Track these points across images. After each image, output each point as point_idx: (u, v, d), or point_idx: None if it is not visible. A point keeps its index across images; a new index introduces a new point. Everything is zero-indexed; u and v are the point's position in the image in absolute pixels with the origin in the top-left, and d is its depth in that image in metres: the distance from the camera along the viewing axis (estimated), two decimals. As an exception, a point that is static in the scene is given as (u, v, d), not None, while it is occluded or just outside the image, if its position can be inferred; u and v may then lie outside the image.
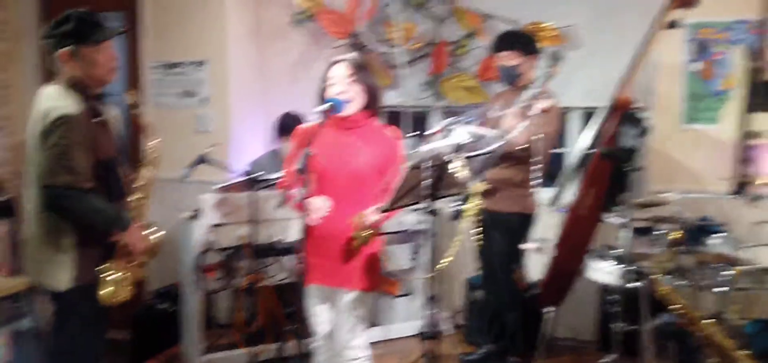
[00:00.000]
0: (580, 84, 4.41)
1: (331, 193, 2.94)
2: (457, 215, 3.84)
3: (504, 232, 3.83)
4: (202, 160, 3.82)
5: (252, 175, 3.92)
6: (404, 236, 4.70)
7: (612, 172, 3.18)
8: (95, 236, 2.66)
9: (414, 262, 4.70)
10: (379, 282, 3.09)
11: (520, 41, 3.85)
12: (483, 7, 4.65)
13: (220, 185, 4.16)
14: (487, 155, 2.88)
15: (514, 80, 3.81)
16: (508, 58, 3.80)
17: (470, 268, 4.60)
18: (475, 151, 2.83)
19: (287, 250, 4.08)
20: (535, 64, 3.78)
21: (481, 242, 4.06)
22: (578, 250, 3.26)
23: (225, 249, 4.14)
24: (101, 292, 2.69)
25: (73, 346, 2.71)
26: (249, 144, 4.81)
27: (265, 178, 3.85)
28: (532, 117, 3.45)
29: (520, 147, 3.46)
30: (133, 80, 4.99)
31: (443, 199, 2.93)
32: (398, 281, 4.88)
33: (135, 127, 4.84)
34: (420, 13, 4.74)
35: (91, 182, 2.60)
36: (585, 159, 3.27)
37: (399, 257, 4.71)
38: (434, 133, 2.85)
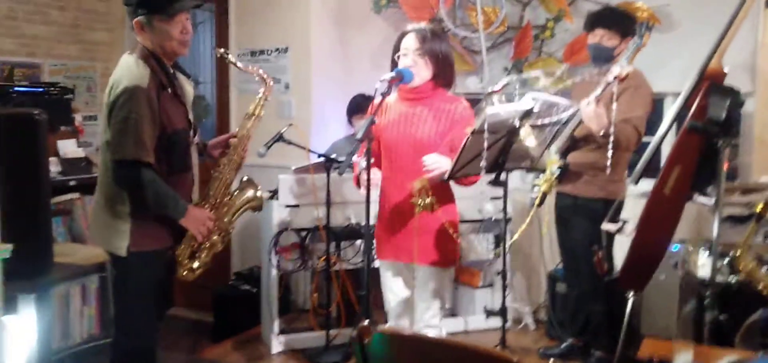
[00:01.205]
0: (674, 68, 4.14)
1: (397, 165, 2.88)
2: (541, 201, 3.68)
3: (587, 219, 3.62)
4: (279, 137, 3.84)
5: (328, 157, 3.92)
6: (485, 225, 4.57)
7: (701, 149, 2.92)
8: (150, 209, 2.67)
9: (495, 252, 4.54)
10: (452, 258, 2.97)
11: (620, 20, 3.59)
12: (570, -11, 4.47)
13: (297, 167, 4.19)
14: (561, 124, 2.72)
15: (606, 61, 3.54)
16: (604, 37, 3.57)
17: (553, 261, 4.41)
18: (546, 119, 2.67)
19: (363, 233, 4.05)
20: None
21: (562, 227, 3.89)
22: (661, 232, 3.02)
23: (301, 230, 4.16)
24: (179, 271, 2.76)
25: (130, 311, 2.75)
26: (330, 129, 4.84)
27: (340, 160, 3.82)
28: (615, 95, 3.24)
29: (605, 129, 3.24)
30: (220, 67, 5.16)
31: (512, 170, 2.79)
32: (479, 272, 4.75)
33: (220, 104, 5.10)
34: (503, -3, 4.61)
35: (153, 157, 2.59)
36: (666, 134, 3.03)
37: (480, 247, 4.58)
38: (494, 92, 2.70)
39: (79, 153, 4.11)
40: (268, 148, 3.83)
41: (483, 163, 2.48)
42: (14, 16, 4.71)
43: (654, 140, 3.14)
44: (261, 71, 2.99)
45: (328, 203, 4.00)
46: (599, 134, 3.31)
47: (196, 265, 2.81)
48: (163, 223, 2.68)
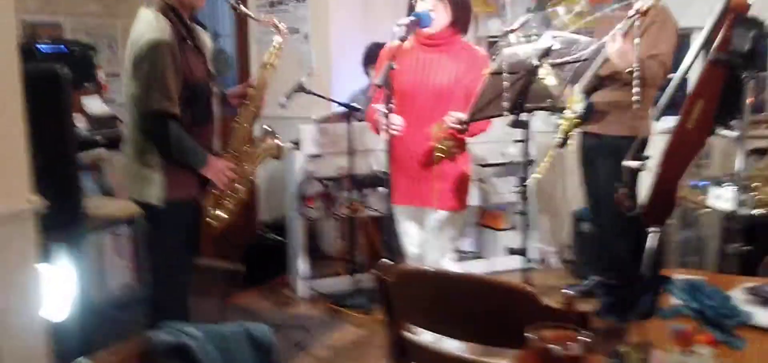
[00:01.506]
0: (701, 2, 4.04)
1: (414, 111, 2.87)
2: (563, 142, 3.65)
3: (613, 157, 3.59)
4: (300, 88, 3.86)
5: (348, 106, 3.94)
6: (508, 168, 4.58)
7: (725, 81, 2.87)
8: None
9: (518, 195, 4.54)
10: (465, 201, 3.01)
11: None
12: (592, -75, 4.37)
13: (319, 117, 4.21)
14: (582, 62, 2.69)
15: None
16: None
17: (577, 201, 4.41)
18: (566, 57, 2.65)
19: (385, 181, 4.09)
20: None
21: (587, 167, 3.87)
22: (685, 166, 3.00)
23: (325, 179, 4.21)
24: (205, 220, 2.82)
25: (164, 259, 2.82)
26: (351, 78, 4.83)
27: (360, 108, 3.84)
28: (640, 30, 3.18)
29: (629, 66, 3.20)
30: (240, 21, 5.16)
31: (533, 111, 2.78)
32: (502, 214, 4.78)
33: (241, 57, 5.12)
34: (524, -65, 4.53)
35: (178, 108, 2.63)
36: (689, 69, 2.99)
37: (503, 190, 4.59)
38: (512, 31, 2.68)
39: (105, 109, 4.17)
40: (289, 98, 3.85)
41: (505, 104, 2.47)
42: (35, -24, 4.75)
43: (677, 75, 3.10)
44: (275, 21, 2.99)
45: (350, 152, 4.03)
46: (625, 71, 3.27)
47: (221, 213, 2.87)
48: (192, 172, 2.74)
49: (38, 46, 4.03)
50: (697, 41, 3.09)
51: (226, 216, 2.88)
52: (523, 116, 2.78)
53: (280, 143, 3.03)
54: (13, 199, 2.23)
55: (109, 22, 5.21)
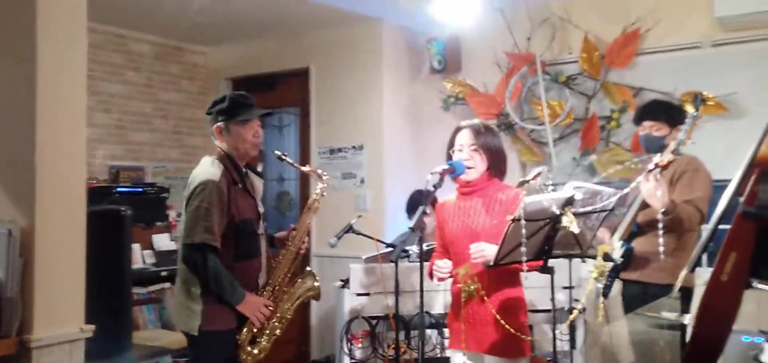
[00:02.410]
0: (743, 155, 4.09)
1: (459, 258, 2.98)
2: (606, 291, 3.69)
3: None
4: (349, 229, 4.07)
5: (393, 246, 4.09)
6: (557, 315, 4.55)
7: (757, 234, 2.89)
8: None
9: (567, 342, 4.51)
10: (520, 348, 3.01)
11: (666, 111, 3.65)
12: (634, 81, 4.55)
13: (367, 256, 4.38)
14: (606, 212, 2.78)
15: (658, 150, 3.60)
16: (653, 128, 3.63)
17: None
18: (590, 206, 2.75)
19: (432, 322, 4.16)
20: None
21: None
22: (721, 322, 2.96)
23: (371, 318, 4.32)
24: (240, 355, 2.96)
25: None
26: (403, 221, 5.03)
27: (406, 249, 3.99)
28: (666, 178, 3.27)
29: (666, 206, 3.26)
30: (303, 164, 5.52)
31: (560, 258, 2.86)
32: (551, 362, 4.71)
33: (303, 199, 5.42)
34: (568, 90, 4.74)
35: (219, 243, 2.85)
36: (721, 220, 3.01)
37: (550, 337, 4.55)
38: (528, 181, 2.81)
39: (172, 246, 4.49)
40: (339, 238, 4.05)
41: (523, 249, 2.57)
42: (123, 126, 5.29)
43: (709, 227, 3.12)
44: (317, 170, 3.27)
45: (397, 292, 4.15)
46: (660, 212, 3.33)
47: (256, 351, 3.01)
48: (231, 307, 2.91)
49: (118, 188, 4.45)
50: (726, 193, 3.14)
51: (261, 353, 3.01)
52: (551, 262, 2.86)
53: (318, 284, 3.19)
54: (67, 326, 2.47)
55: (185, 166, 5.67)
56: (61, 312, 2.47)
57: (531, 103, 4.89)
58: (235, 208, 2.92)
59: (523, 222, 2.54)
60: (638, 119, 3.68)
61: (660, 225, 3.02)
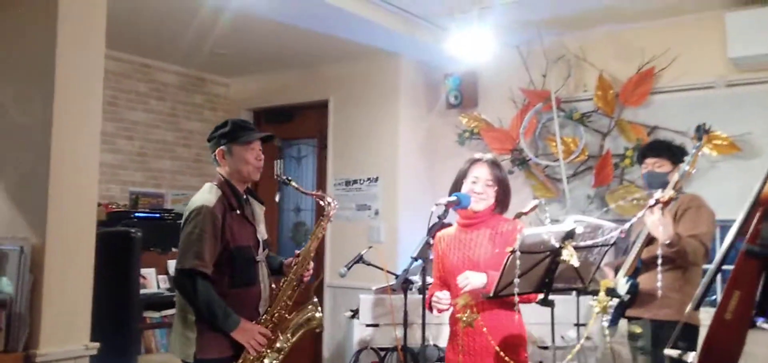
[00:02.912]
0: (736, 196, 4.07)
1: (458, 288, 3.00)
2: (614, 322, 3.67)
3: (662, 344, 3.54)
4: (359, 259, 4.11)
5: (404, 278, 4.12)
6: (566, 353, 4.53)
7: (760, 272, 2.87)
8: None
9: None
10: None
11: (668, 148, 3.68)
12: (648, 120, 4.56)
13: (377, 287, 4.41)
14: (608, 246, 2.79)
15: (661, 186, 3.61)
16: (656, 165, 3.65)
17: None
18: (591, 240, 2.76)
19: (440, 356, 4.16)
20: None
21: (636, 352, 3.80)
22: (725, 361, 2.93)
23: (380, 349, 4.33)
24: None
25: None
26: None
27: (409, 279, 4.00)
28: (677, 215, 3.26)
29: (667, 244, 3.25)
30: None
31: (562, 291, 2.87)
32: (563, 401, 4.66)
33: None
34: (582, 127, 4.75)
35: (210, 269, 2.81)
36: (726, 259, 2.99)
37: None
38: (525, 213, 2.83)
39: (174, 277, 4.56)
40: (348, 268, 4.10)
41: (516, 281, 2.58)
42: (144, 153, 5.43)
43: (712, 265, 3.10)
44: (322, 194, 3.28)
45: (405, 323, 4.16)
46: (665, 243, 3.32)
47: None
48: (225, 335, 2.86)
49: (136, 212, 4.56)
50: (731, 232, 3.12)
51: None
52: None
53: (319, 315, 3.11)
54: (73, 343, 2.54)
55: (205, 194, 5.78)
56: (67, 329, 2.55)
57: (545, 139, 4.92)
58: (229, 234, 2.88)
59: (518, 254, 2.56)
60: (641, 157, 3.72)
61: (659, 260, 3.01)
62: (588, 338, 4.18)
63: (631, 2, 4.34)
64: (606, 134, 4.71)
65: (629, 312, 3.65)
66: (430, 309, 3.02)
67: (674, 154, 3.64)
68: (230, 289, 2.88)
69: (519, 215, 2.86)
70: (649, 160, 3.67)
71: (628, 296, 3.53)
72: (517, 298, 2.63)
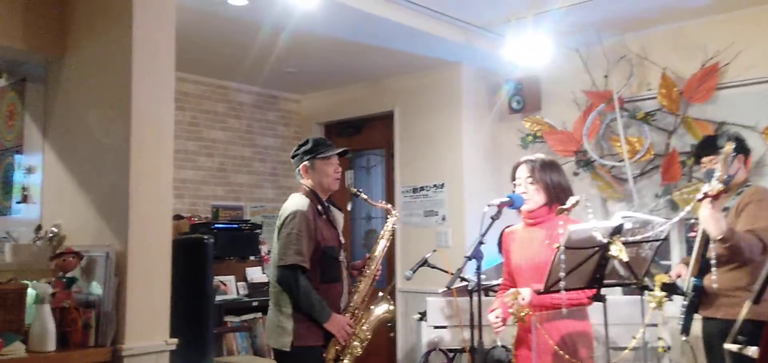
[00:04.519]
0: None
1: (521, 285, 3.11)
2: (686, 329, 3.65)
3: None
4: (424, 262, 4.26)
5: (464, 279, 4.22)
6: (640, 353, 4.49)
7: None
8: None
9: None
10: None
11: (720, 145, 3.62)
12: (715, 115, 4.49)
13: (443, 289, 4.53)
14: (657, 242, 2.83)
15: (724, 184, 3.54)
16: (712, 162, 3.59)
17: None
18: (640, 236, 2.81)
19: (510, 359, 4.22)
20: (744, 166, 3.53)
21: (711, 355, 3.74)
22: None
23: (449, 351, 4.45)
24: None
25: None
26: (485, 256, 5.14)
27: (464, 277, 4.10)
28: (738, 209, 3.23)
29: (719, 239, 3.22)
30: (388, 202, 5.77)
31: (614, 286, 2.92)
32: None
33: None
34: (647, 126, 4.73)
35: (308, 264, 3.17)
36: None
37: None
38: (567, 209, 2.89)
39: (263, 278, 4.84)
40: (414, 272, 4.24)
41: (562, 275, 2.65)
42: (224, 169, 5.77)
43: (771, 257, 3.08)
44: (387, 205, 3.56)
45: (472, 325, 4.26)
46: (718, 238, 3.28)
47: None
48: (318, 325, 3.20)
49: (216, 224, 4.87)
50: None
51: None
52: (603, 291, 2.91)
53: (392, 307, 3.43)
54: (154, 339, 2.81)
55: (281, 205, 6.05)
56: (149, 326, 2.82)
57: (610, 139, 4.91)
58: (320, 235, 3.25)
59: (562, 249, 2.64)
60: (697, 158, 3.66)
61: (714, 259, 3.00)
62: (660, 338, 4.15)
63: (690, -1, 4.31)
64: (672, 132, 4.66)
65: (703, 313, 3.61)
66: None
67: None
68: (320, 284, 3.22)
69: (560, 211, 2.92)
70: (706, 159, 3.61)
71: (693, 293, 3.50)
72: (564, 294, 2.71)
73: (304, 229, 3.17)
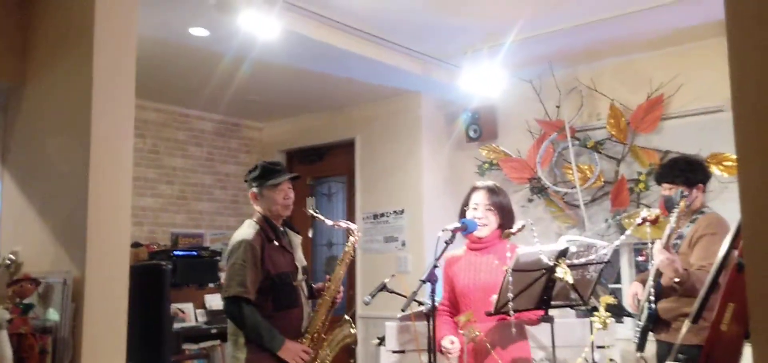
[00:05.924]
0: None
1: (468, 308, 3.21)
2: (640, 345, 3.78)
3: (684, 365, 3.63)
4: (383, 287, 4.32)
5: (418, 302, 4.31)
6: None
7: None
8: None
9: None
10: None
11: (681, 173, 3.74)
12: (661, 144, 4.68)
13: (402, 314, 4.61)
14: (601, 265, 2.96)
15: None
16: (671, 190, 3.71)
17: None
18: (585, 259, 2.93)
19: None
20: (702, 192, 3.68)
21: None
22: (724, 372, 3.02)
23: (406, 375, 4.51)
24: None
25: None
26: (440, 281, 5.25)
27: (419, 300, 4.17)
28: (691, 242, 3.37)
29: (680, 276, 3.35)
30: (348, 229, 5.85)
31: (560, 307, 3.03)
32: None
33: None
34: (597, 154, 4.90)
35: (254, 295, 3.16)
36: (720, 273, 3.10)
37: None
38: (513, 233, 3.01)
39: (222, 306, 4.85)
40: (373, 297, 4.30)
41: (510, 296, 2.77)
42: (184, 197, 5.80)
43: (707, 281, 3.22)
44: (345, 224, 3.57)
45: (430, 349, 4.34)
46: (673, 281, 3.41)
47: None
48: (272, 355, 3.17)
49: (175, 251, 4.89)
50: (724, 246, 3.23)
51: None
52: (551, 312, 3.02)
53: (354, 331, 3.46)
54: (110, 364, 2.83)
55: (242, 232, 6.10)
56: (105, 352, 2.83)
57: (562, 167, 5.08)
58: (270, 263, 3.23)
59: (510, 271, 2.75)
60: (658, 181, 3.79)
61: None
62: (610, 360, 4.28)
63: (637, 34, 4.51)
64: (620, 160, 4.85)
65: (656, 337, 3.74)
66: (441, 351, 3.21)
67: (688, 177, 3.68)
68: (274, 312, 3.21)
69: (507, 235, 3.04)
70: (666, 185, 3.74)
71: (647, 320, 3.63)
72: (513, 314, 2.82)
73: (249, 259, 3.15)
